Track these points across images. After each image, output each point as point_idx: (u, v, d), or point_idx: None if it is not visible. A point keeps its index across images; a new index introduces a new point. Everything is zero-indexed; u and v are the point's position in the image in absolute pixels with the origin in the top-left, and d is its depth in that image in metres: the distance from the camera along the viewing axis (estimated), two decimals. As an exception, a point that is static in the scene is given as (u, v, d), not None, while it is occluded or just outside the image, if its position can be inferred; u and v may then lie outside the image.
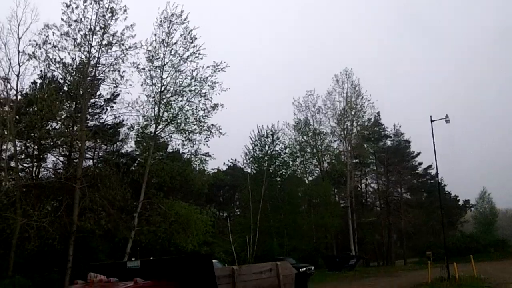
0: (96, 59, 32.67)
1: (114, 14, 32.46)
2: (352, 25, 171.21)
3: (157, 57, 34.63)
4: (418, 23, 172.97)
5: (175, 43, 34.75)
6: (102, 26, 32.36)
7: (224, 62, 34.89)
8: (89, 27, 31.97)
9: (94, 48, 32.45)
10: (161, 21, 34.55)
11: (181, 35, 34.81)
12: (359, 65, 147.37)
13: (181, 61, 34.91)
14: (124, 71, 33.15)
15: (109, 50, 32.72)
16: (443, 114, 33.73)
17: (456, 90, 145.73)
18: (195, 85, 35.16)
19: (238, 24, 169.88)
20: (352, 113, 57.72)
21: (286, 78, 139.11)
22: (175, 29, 34.78)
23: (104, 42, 32.51)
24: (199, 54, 34.83)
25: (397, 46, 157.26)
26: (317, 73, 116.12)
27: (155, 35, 34.48)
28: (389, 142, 71.00)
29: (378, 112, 66.42)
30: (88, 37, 32.13)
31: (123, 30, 32.50)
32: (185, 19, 34.54)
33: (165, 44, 34.69)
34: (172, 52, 34.80)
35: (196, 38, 34.83)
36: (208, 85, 35.09)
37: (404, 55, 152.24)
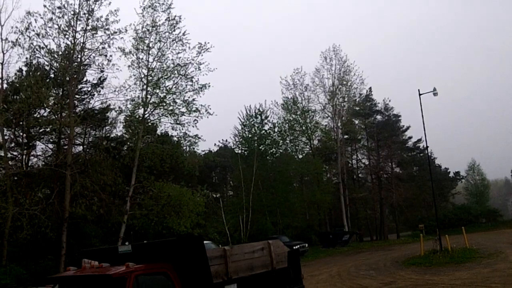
0: (81, 44, 32.39)
1: (97, -2, 32.11)
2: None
3: (143, 41, 34.35)
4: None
5: (159, 28, 34.51)
6: (86, 11, 32.00)
7: (209, 42, 34.66)
8: (72, 12, 31.63)
9: (79, 34, 32.20)
10: (143, 8, 34.33)
11: (166, 19, 34.62)
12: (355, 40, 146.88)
13: (166, 45, 34.69)
14: (111, 55, 32.99)
15: (94, 35, 32.45)
16: (439, 91, 33.81)
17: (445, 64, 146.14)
18: (181, 68, 34.89)
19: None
20: (344, 89, 57.81)
21: (277, 56, 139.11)
22: (159, 16, 34.60)
23: (89, 27, 32.20)
24: (183, 36, 34.68)
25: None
26: (307, 50, 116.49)
27: (141, 22, 34.31)
28: (379, 117, 71.21)
29: (370, 87, 66.78)
30: (72, 23, 31.81)
31: (107, 15, 32.23)
32: (169, 5, 34.44)
33: (150, 30, 34.44)
34: (157, 37, 34.56)
35: (180, 21, 34.67)
36: (194, 67, 34.90)
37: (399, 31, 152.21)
